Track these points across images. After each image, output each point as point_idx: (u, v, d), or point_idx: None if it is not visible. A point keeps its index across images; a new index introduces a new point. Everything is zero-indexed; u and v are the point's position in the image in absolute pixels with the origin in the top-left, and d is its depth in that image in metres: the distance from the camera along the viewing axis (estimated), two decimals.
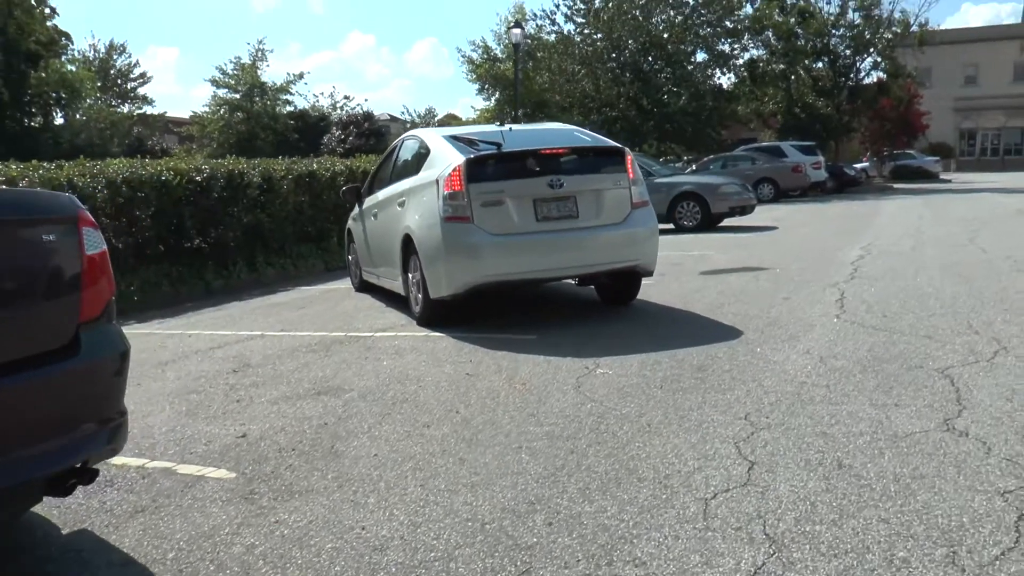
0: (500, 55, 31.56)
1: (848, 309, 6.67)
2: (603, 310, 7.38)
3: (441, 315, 6.88)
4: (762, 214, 17.68)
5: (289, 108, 36.56)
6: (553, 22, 32.21)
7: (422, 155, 7.31)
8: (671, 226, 15.45)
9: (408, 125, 44.49)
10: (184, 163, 11.01)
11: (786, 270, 9.31)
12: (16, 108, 34.17)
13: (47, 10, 35.34)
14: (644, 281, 7.41)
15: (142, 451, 4.21)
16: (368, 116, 37.62)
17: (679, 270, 9.88)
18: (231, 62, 39.61)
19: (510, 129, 7.39)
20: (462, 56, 37.61)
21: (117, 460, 3.81)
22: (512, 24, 21.00)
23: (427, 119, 50.93)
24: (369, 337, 6.82)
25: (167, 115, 47.29)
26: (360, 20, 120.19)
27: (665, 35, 32.15)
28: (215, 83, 36.07)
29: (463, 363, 5.65)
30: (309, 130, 36.01)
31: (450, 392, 4.93)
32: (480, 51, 36.41)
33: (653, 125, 31.43)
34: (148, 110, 47.31)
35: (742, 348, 5.56)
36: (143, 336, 7.65)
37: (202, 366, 6.16)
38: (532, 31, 32.20)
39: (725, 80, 35.94)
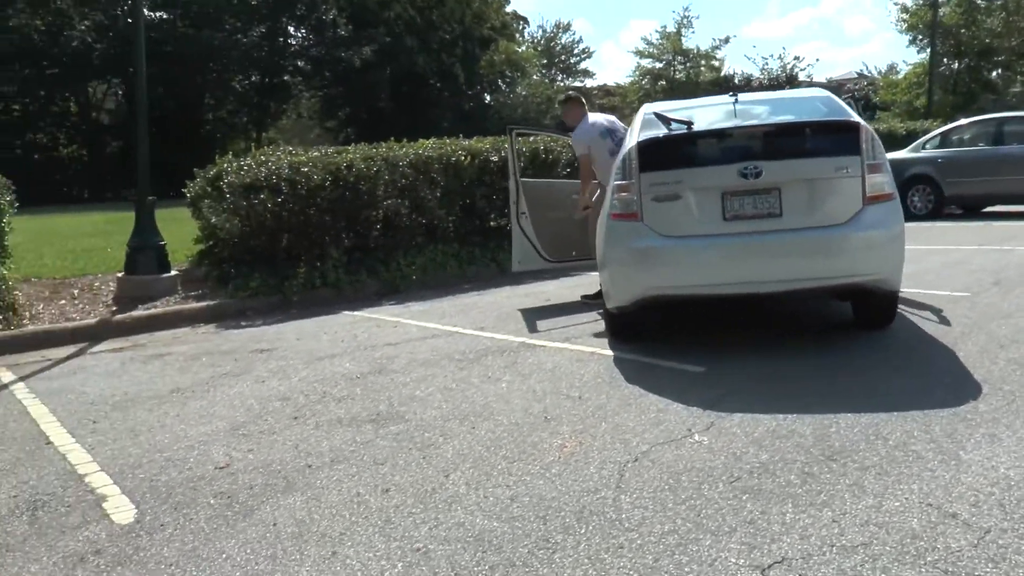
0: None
1: None
2: (840, 337, 5.59)
3: (625, 327, 5.74)
4: None
5: (713, 74, 35.47)
6: None
7: (627, 136, 6.13)
8: None
9: (863, 84, 40.48)
10: (483, 144, 10.87)
11: None
12: (470, 87, 38.13)
13: None
14: (955, 293, 5.40)
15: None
16: (792, 78, 34.90)
17: (1013, 275, 7.29)
18: (657, 32, 39.73)
19: (736, 100, 5.84)
20: (894, 2, 32.64)
21: None
22: None
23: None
24: (531, 347, 5.94)
25: (605, 86, 49.18)
26: None
27: None
28: (639, 53, 36.39)
29: (574, 398, 4.57)
30: None
31: (492, 434, 3.96)
32: None
33: None
34: (588, 83, 49.65)
35: (941, 429, 3.69)
36: (350, 323, 7.65)
37: (341, 366, 5.85)
38: None
39: None
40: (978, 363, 4.68)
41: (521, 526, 3.02)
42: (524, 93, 38.74)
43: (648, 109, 5.86)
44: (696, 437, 3.78)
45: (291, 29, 35.16)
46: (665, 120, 5.41)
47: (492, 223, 10.71)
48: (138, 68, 9.25)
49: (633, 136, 5.52)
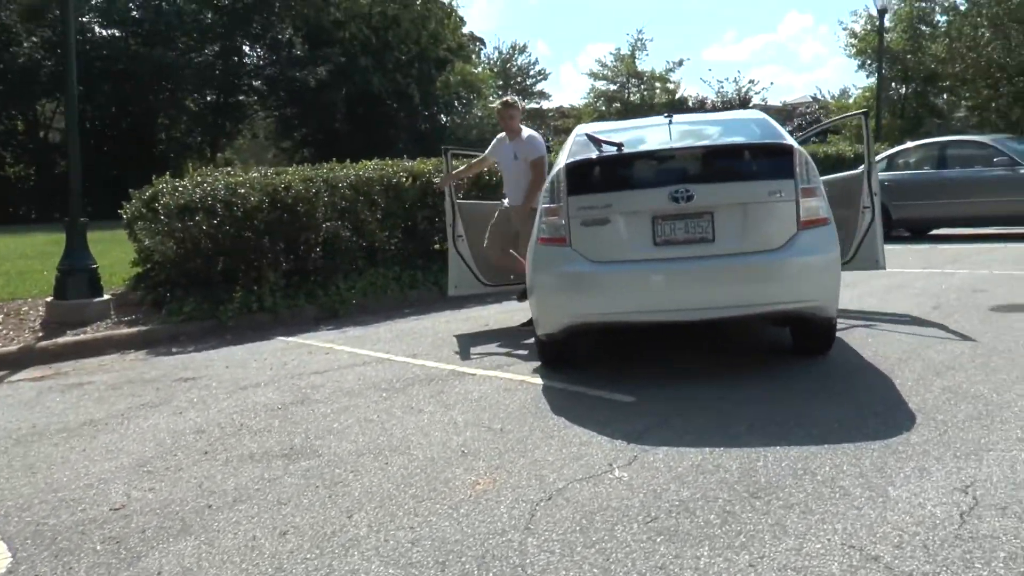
0: (888, 24, 27.03)
1: None
2: (778, 363, 5.48)
3: (556, 354, 5.58)
4: None
5: (667, 97, 35.69)
6: None
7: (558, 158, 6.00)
8: None
9: (815, 108, 41.01)
10: (425, 165, 10.69)
11: None
12: (426, 108, 38.00)
13: (458, 20, 38.70)
14: (896, 319, 5.30)
15: None
16: (746, 101, 35.25)
17: (961, 300, 7.25)
18: (611, 54, 39.99)
19: (671, 121, 5.73)
20: (843, 28, 33.09)
21: None
22: None
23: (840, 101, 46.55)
24: (461, 375, 5.75)
25: (561, 108, 49.37)
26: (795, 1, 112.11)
27: None
28: (594, 75, 36.54)
29: (496, 430, 4.37)
30: None
31: (405, 470, 3.75)
32: (863, 21, 31.73)
33: None
34: (545, 104, 49.81)
35: (871, 463, 3.56)
36: (287, 348, 7.40)
37: (263, 396, 5.60)
38: None
39: None
40: (914, 391, 4.58)
41: (417, 573, 2.82)
42: (480, 114, 38.68)
43: (581, 130, 5.73)
44: (616, 473, 3.61)
45: (246, 48, 34.81)
46: (596, 142, 5.27)
47: (435, 246, 10.52)
48: (69, 86, 8.97)
49: (563, 158, 5.38)
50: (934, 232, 14.13)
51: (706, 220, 4.83)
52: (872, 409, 4.32)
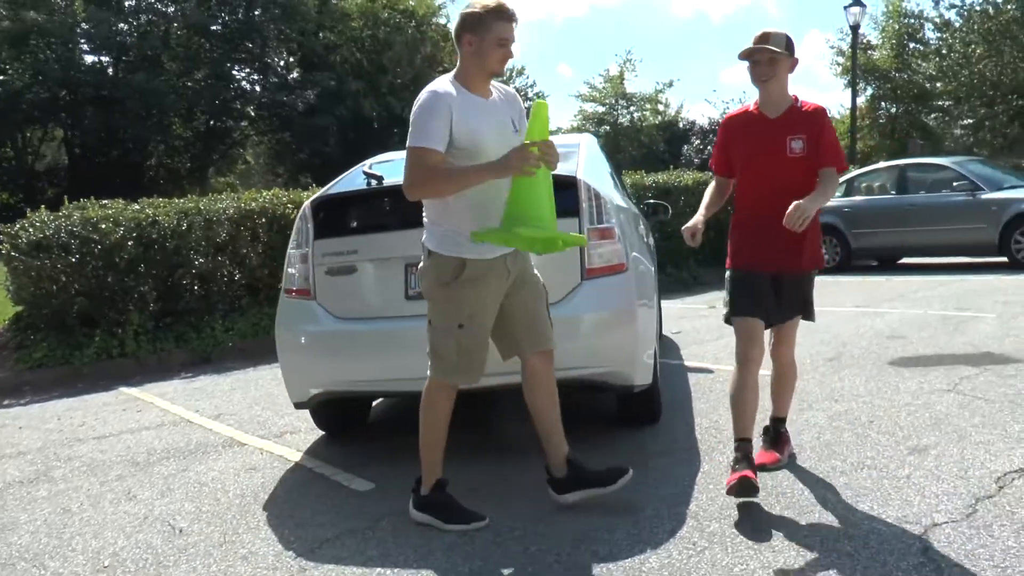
0: (875, 41, 25.83)
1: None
2: (601, 437, 4.61)
3: (329, 422, 4.81)
4: None
5: (659, 118, 34.71)
6: None
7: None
8: (1005, 259, 10.85)
9: None
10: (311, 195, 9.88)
11: None
12: None
13: None
14: (818, 366, 4.40)
15: None
16: None
17: (867, 349, 6.33)
18: (601, 75, 39.04)
19: None
20: (830, 46, 31.79)
21: None
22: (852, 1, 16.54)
23: None
24: (233, 445, 4.95)
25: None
26: (818, 19, 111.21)
27: None
28: (582, 97, 35.63)
29: (178, 530, 3.57)
30: (677, 140, 33.91)
31: None
32: (849, 39, 30.22)
33: None
34: None
35: None
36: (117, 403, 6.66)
37: (6, 471, 4.85)
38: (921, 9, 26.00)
39: None
40: (716, 481, 3.69)
41: None
42: None
43: (372, 161, 4.90)
44: None
45: (235, 73, 34.47)
46: (368, 175, 4.45)
47: None
48: None
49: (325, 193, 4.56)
50: (905, 261, 13.14)
51: None
52: (636, 514, 3.44)
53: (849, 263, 12.57)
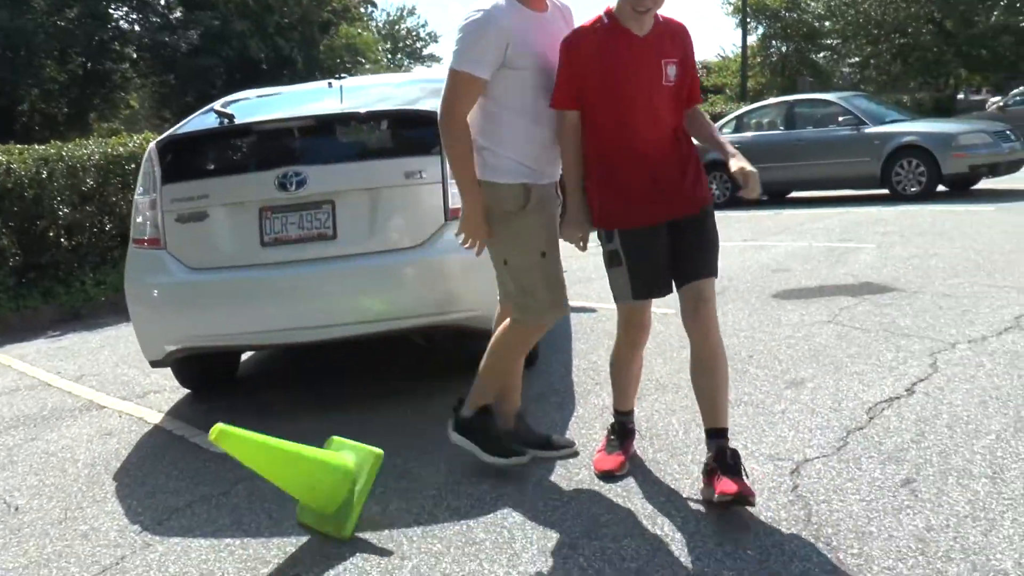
0: None
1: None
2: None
3: (193, 378, 4.54)
4: None
5: None
6: None
7: None
8: (887, 191, 11.13)
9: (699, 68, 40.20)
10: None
11: (931, 295, 5.43)
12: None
13: None
14: (659, 310, 4.28)
15: None
16: None
17: (752, 283, 6.36)
18: None
19: (336, 87, 4.57)
20: None
21: None
22: None
23: None
24: (91, 408, 4.63)
25: None
26: None
27: None
28: None
29: (12, 508, 3.27)
30: None
31: None
32: None
33: (956, 52, 24.00)
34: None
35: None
36: None
37: None
38: None
39: None
40: (590, 425, 3.58)
41: None
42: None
43: (225, 100, 4.54)
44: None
45: (112, 12, 32.45)
46: (223, 116, 4.10)
47: None
48: None
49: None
50: (793, 195, 13.37)
51: (325, 212, 3.75)
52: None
53: (738, 199, 12.69)
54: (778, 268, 7.13)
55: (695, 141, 2.98)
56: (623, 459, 3.07)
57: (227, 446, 2.53)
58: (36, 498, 3.36)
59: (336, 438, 2.93)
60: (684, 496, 2.79)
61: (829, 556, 2.33)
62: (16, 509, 3.26)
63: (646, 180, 2.82)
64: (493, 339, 3.08)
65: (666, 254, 2.84)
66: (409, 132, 3.89)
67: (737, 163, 2.73)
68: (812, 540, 2.43)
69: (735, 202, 12.51)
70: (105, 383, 5.21)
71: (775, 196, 13.27)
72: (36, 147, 8.58)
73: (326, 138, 3.89)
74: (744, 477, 2.63)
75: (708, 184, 3.03)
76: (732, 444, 2.74)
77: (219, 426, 2.51)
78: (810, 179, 12.11)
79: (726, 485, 2.53)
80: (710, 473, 2.66)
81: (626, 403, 3.15)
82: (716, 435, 2.73)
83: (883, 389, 3.66)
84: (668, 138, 2.84)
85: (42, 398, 5.03)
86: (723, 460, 2.64)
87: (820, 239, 8.57)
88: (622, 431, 3.16)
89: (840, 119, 11.62)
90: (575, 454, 3.16)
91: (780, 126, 12.66)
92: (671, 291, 2.89)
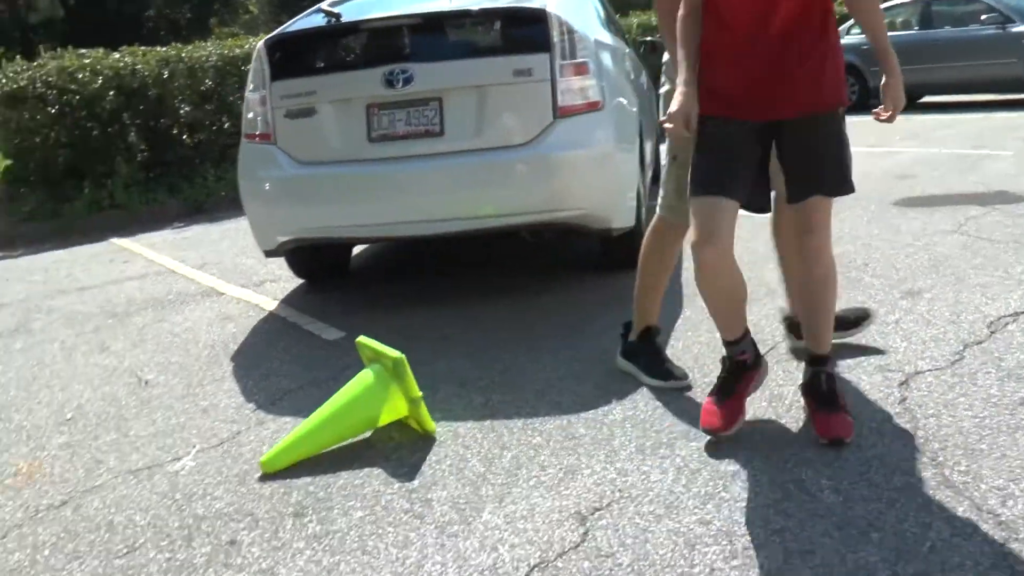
0: None
1: None
2: (577, 281, 4.44)
3: (308, 268, 4.72)
4: None
5: None
6: None
7: None
8: None
9: None
10: None
11: None
12: None
13: None
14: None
15: None
16: None
17: (873, 189, 6.05)
18: None
19: None
20: None
21: None
22: None
23: None
24: (210, 294, 4.89)
25: None
26: None
27: None
28: None
29: (144, 381, 3.52)
30: None
31: None
32: None
33: None
34: None
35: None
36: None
37: None
38: None
39: None
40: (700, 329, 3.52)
41: None
42: None
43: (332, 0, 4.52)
44: (182, 463, 2.72)
45: None
46: (328, 14, 4.09)
47: None
48: None
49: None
50: (926, 99, 12.56)
51: (432, 109, 3.74)
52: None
53: (867, 103, 12.01)
54: (903, 175, 6.78)
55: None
56: (726, 412, 2.50)
57: (281, 463, 2.58)
58: (163, 374, 3.60)
59: (362, 340, 2.94)
60: (787, 402, 2.74)
61: (934, 471, 2.25)
62: (146, 383, 3.50)
63: (760, 66, 2.34)
64: (641, 256, 3.00)
65: (758, 158, 2.42)
66: (518, 30, 3.82)
67: (893, 87, 2.45)
68: (917, 454, 2.35)
69: (860, 105, 11.85)
70: (225, 271, 5.47)
71: (907, 101, 12.50)
72: (158, 49, 8.85)
73: (433, 36, 3.86)
74: (840, 402, 2.51)
75: (842, 83, 2.49)
76: (841, 353, 2.64)
77: (264, 458, 2.59)
78: (947, 82, 11.33)
79: (821, 426, 2.46)
80: (805, 394, 2.58)
81: (729, 331, 2.57)
82: (813, 362, 2.57)
83: (1008, 303, 3.46)
84: (793, 19, 2.33)
85: (168, 283, 5.33)
86: (817, 388, 2.52)
87: (952, 145, 8.07)
88: (733, 367, 2.59)
89: (983, 17, 10.74)
90: (688, 387, 3.03)
91: (915, 26, 11.81)
92: (760, 207, 2.51)
